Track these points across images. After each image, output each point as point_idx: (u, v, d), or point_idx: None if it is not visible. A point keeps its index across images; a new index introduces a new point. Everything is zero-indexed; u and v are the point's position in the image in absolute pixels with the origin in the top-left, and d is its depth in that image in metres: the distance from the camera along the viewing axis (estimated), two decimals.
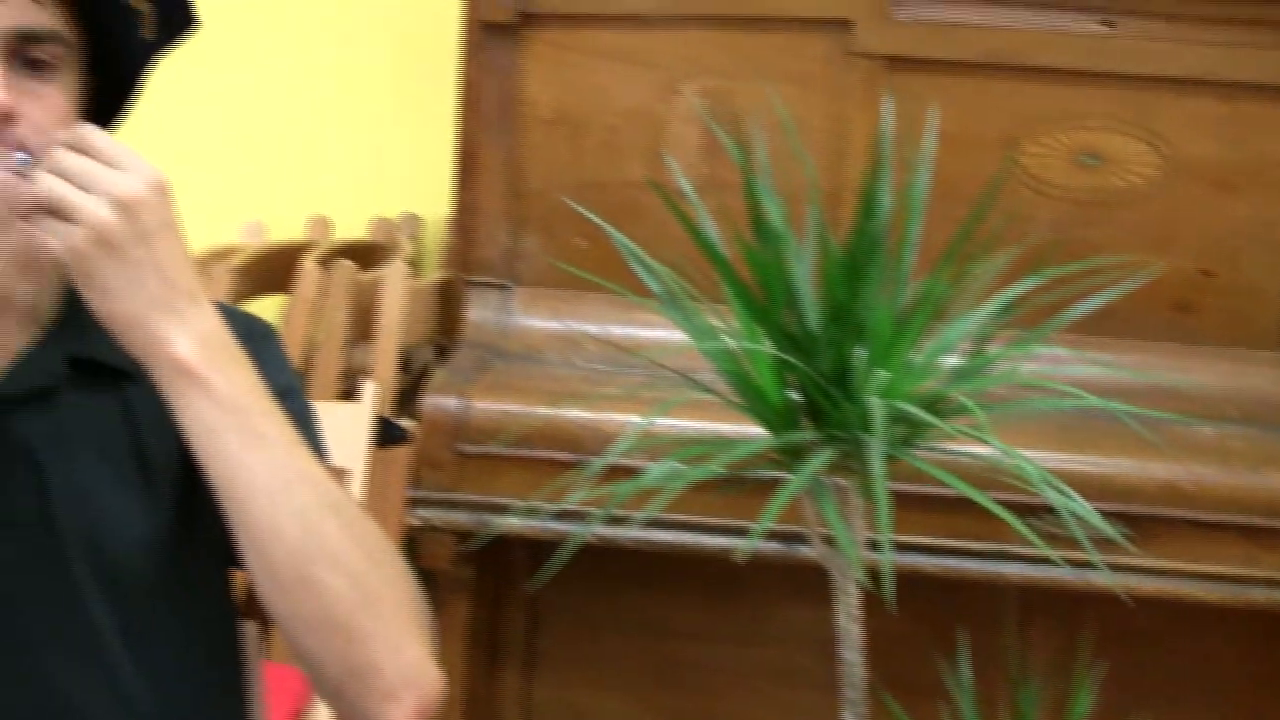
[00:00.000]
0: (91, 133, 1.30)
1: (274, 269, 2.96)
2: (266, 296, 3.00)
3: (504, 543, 2.55)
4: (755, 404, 1.93)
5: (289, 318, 2.83)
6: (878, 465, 1.76)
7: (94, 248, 1.26)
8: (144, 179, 1.28)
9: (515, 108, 2.72)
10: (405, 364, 2.93)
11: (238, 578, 1.46)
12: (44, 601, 1.35)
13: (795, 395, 1.93)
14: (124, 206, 1.26)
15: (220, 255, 2.90)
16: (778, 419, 1.92)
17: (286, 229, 3.18)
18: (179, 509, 1.39)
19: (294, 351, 2.59)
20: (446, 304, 2.87)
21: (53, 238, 1.26)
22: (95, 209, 1.26)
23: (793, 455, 1.96)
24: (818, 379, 1.88)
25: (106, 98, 1.42)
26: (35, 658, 1.35)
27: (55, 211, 1.26)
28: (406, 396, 2.85)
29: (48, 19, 1.32)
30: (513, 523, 2.32)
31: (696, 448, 1.90)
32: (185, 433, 1.31)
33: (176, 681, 1.39)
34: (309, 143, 3.20)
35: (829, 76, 2.68)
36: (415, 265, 2.99)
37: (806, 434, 1.89)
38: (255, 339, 1.41)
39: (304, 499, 1.31)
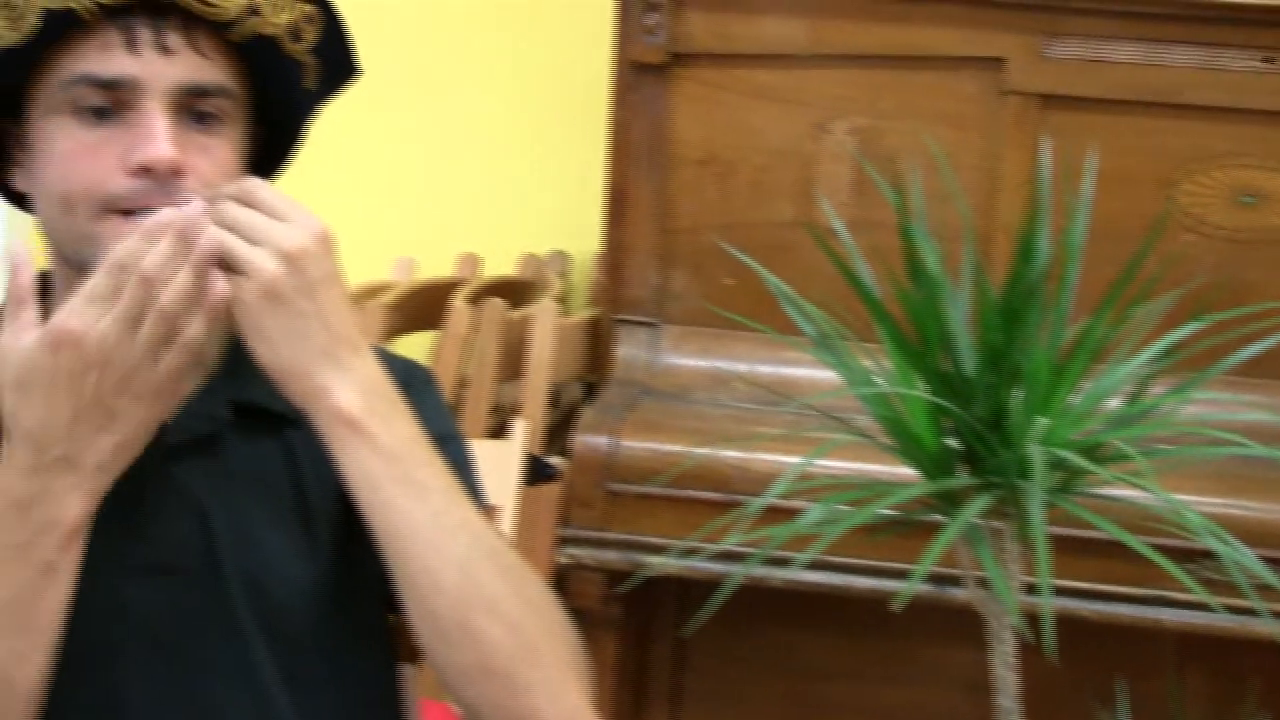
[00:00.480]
0: (257, 185, 1.32)
1: (425, 305, 2.99)
2: (417, 333, 3.02)
3: (651, 581, 2.55)
4: (910, 449, 1.91)
5: (440, 354, 2.85)
6: (1037, 513, 1.74)
7: (260, 299, 1.28)
8: (309, 231, 1.30)
9: (665, 147, 2.74)
10: (553, 400, 2.94)
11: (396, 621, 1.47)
12: (210, 644, 1.37)
13: (951, 440, 1.90)
14: (289, 259, 1.28)
15: (373, 292, 2.94)
16: (933, 464, 1.90)
17: (436, 266, 3.20)
18: (339, 554, 1.41)
19: (444, 387, 2.61)
20: (595, 341, 2.88)
21: (221, 288, 1.28)
22: (262, 262, 1.28)
23: (948, 500, 1.93)
24: (974, 424, 1.86)
25: (270, 148, 1.45)
26: (203, 699, 1.37)
27: (223, 263, 1.28)
28: (555, 433, 2.86)
29: (215, 73, 1.35)
30: (670, 564, 2.31)
31: (853, 492, 1.89)
32: (346, 481, 1.32)
33: None
34: (459, 181, 3.23)
35: (981, 115, 2.66)
36: (563, 302, 3.00)
37: (963, 480, 1.87)
38: (415, 385, 1.43)
39: (463, 547, 1.32)
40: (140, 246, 1.26)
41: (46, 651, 1.29)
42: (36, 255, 1.34)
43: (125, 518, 1.33)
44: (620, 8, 2.71)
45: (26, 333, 1.26)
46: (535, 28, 3.13)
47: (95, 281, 1.26)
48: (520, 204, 3.23)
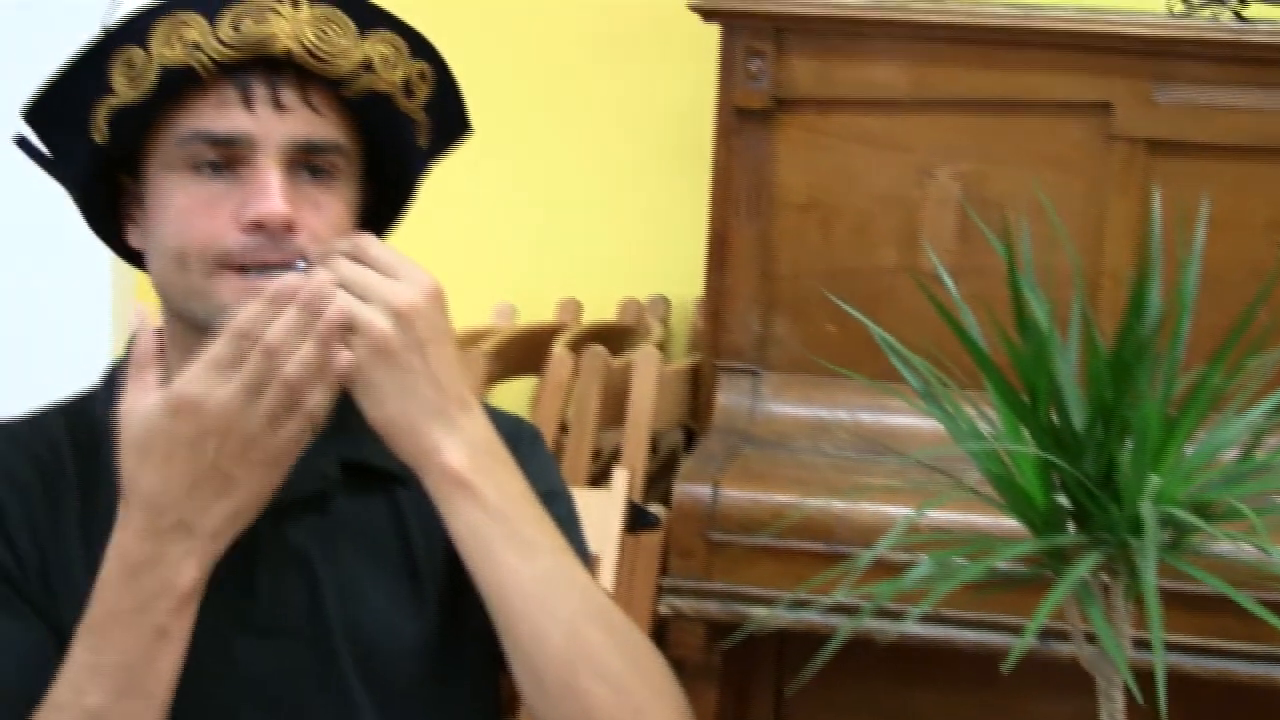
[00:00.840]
0: (370, 242, 1.33)
1: (526, 351, 3.00)
2: (518, 378, 3.03)
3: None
4: (1019, 505, 1.89)
5: (540, 400, 2.86)
6: (1150, 573, 1.71)
7: (371, 356, 1.29)
8: (420, 288, 1.30)
9: (767, 192, 2.74)
10: (652, 446, 2.93)
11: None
12: (318, 703, 1.38)
13: (1060, 496, 1.88)
14: (401, 316, 1.29)
15: (473, 338, 2.95)
16: (1042, 521, 1.88)
17: (537, 311, 3.21)
18: (445, 611, 1.41)
19: (545, 434, 2.62)
20: (695, 387, 2.88)
21: (345, 358, 1.28)
22: (373, 319, 1.29)
23: (1056, 556, 1.91)
24: (1084, 481, 1.84)
25: (382, 204, 1.45)
26: None
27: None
28: (654, 479, 2.86)
29: (328, 130, 1.36)
30: (782, 616, 2.30)
31: (963, 547, 1.87)
32: (454, 538, 1.32)
33: None
34: (559, 226, 3.24)
35: (1087, 160, 2.65)
36: (663, 348, 3.00)
37: (1073, 537, 1.85)
38: (522, 442, 1.43)
39: (570, 606, 1.32)
40: (262, 313, 1.26)
41: (160, 714, 1.30)
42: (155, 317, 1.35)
43: (235, 577, 1.34)
44: (724, 53, 2.72)
45: (148, 396, 1.27)
46: (637, 73, 3.14)
47: (217, 348, 1.26)
48: (620, 249, 3.23)
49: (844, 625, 1.90)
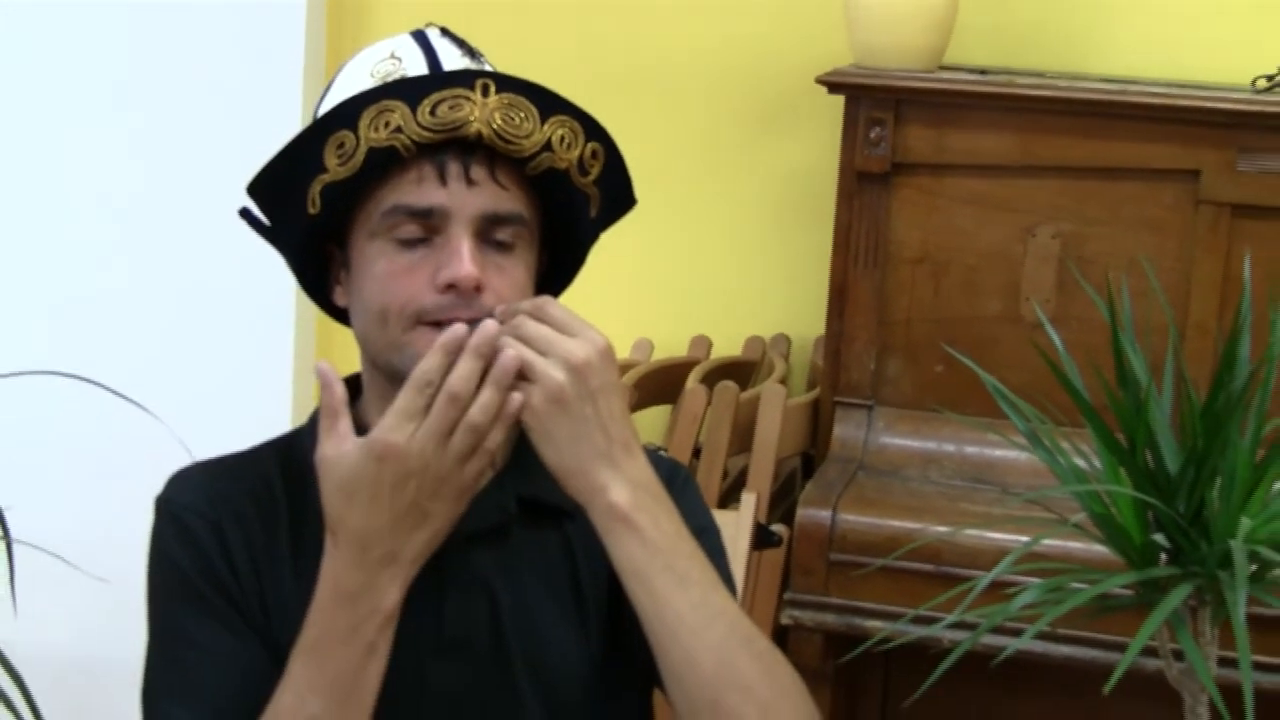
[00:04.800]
0: (549, 303, 1.35)
1: (661, 383, 3.01)
2: (654, 407, 3.04)
3: (860, 639, 2.53)
4: (1118, 540, 1.89)
5: (674, 428, 2.87)
6: (1239, 606, 1.70)
7: (549, 405, 1.31)
8: (593, 346, 1.32)
9: (884, 246, 2.74)
10: (775, 472, 2.94)
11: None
12: (495, 713, 1.39)
13: (1156, 534, 1.87)
14: (575, 370, 1.31)
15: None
16: (1139, 555, 1.87)
17: (671, 346, 3.23)
18: (607, 635, 1.42)
19: (679, 458, 2.63)
20: (814, 418, 2.88)
21: (517, 399, 1.30)
22: (551, 371, 1.30)
23: (1151, 585, 1.89)
24: (1177, 519, 1.82)
25: (556, 268, 1.47)
26: None
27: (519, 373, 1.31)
28: (775, 500, 2.86)
29: (512, 203, 1.38)
30: (907, 630, 2.28)
31: (1069, 576, 1.87)
32: (617, 569, 1.33)
33: None
34: (694, 271, 3.25)
35: (1178, 222, 2.63)
36: (784, 382, 3.00)
37: (1166, 570, 1.83)
38: (677, 483, 1.44)
39: (721, 634, 1.32)
40: (439, 362, 1.29)
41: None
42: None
43: (426, 600, 1.36)
44: (847, 122, 2.73)
45: (345, 443, 1.30)
46: (770, 138, 3.15)
47: (405, 399, 1.29)
48: (748, 293, 3.24)
49: (964, 642, 1.91)
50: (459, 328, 1.30)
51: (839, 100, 2.74)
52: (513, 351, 1.30)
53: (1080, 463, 1.95)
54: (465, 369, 1.29)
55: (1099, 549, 1.95)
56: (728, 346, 3.24)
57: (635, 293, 3.25)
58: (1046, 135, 2.66)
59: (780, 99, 3.12)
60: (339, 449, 1.30)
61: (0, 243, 3.14)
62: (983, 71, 2.80)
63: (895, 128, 2.69)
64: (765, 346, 3.22)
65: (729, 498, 2.76)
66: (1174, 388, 1.96)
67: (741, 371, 3.09)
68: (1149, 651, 1.96)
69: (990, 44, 2.98)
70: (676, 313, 3.27)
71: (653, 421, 3.13)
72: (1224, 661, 1.82)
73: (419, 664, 1.38)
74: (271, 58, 3.03)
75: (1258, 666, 2.35)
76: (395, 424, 1.28)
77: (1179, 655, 1.86)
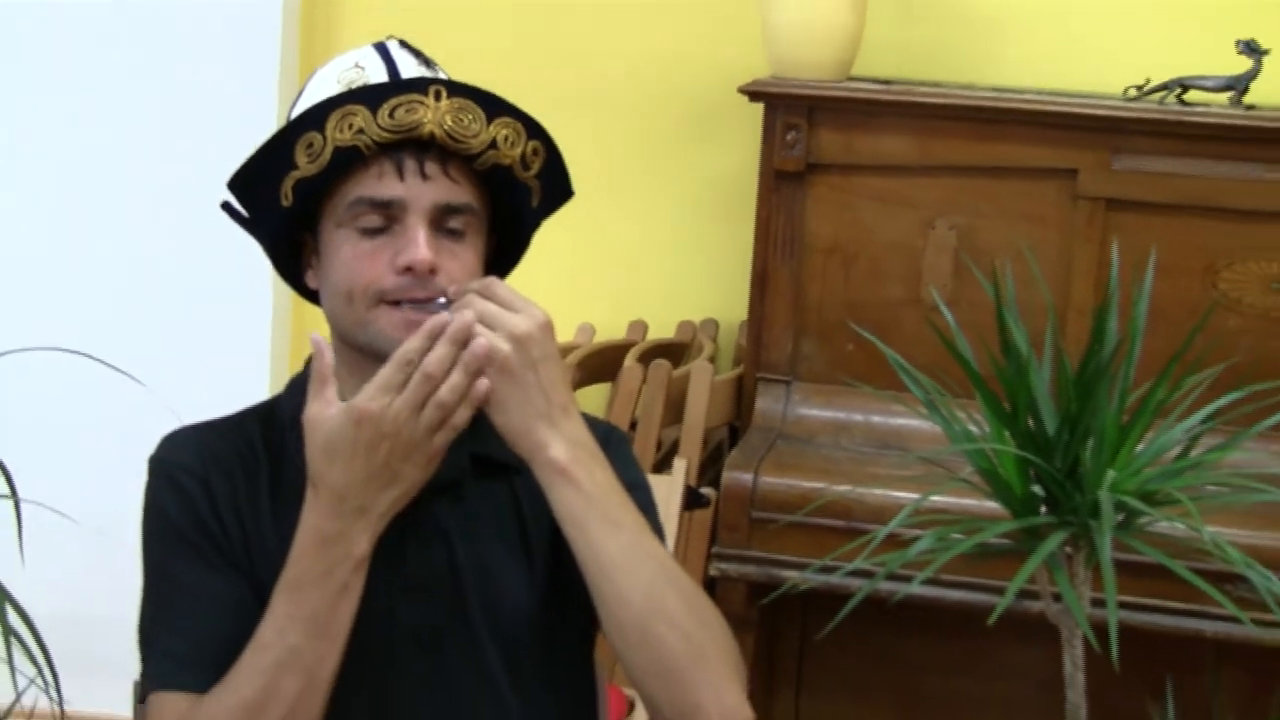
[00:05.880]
0: (495, 283, 1.37)
1: (602, 363, 3.01)
2: (595, 385, 3.06)
3: (779, 587, 2.56)
4: (1002, 492, 1.94)
5: (613, 403, 2.88)
6: (1105, 548, 1.75)
7: (495, 373, 1.33)
8: (535, 320, 1.34)
9: (800, 238, 2.76)
10: (703, 441, 2.96)
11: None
12: (456, 650, 1.41)
13: (1035, 486, 1.92)
14: (518, 341, 1.33)
15: (561, 352, 2.96)
16: (1021, 505, 1.92)
17: (611, 330, 3.24)
18: (550, 577, 1.44)
19: None
20: (738, 393, 2.91)
21: (484, 385, 1.32)
22: (498, 344, 1.33)
23: (1030, 533, 1.95)
24: (1054, 474, 1.87)
25: (502, 252, 1.50)
26: (454, 694, 1.41)
27: (468, 344, 1.33)
28: (704, 467, 2.88)
29: (462, 195, 1.39)
30: (812, 579, 2.33)
31: (956, 525, 1.91)
32: (557, 518, 1.35)
33: (552, 716, 1.44)
34: (632, 262, 3.27)
35: (1058, 216, 2.66)
36: (712, 361, 3.03)
37: (1044, 519, 1.89)
38: (612, 443, 1.45)
39: (649, 574, 1.34)
40: (420, 345, 1.31)
41: (339, 654, 1.34)
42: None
43: (391, 548, 1.38)
44: (766, 128, 2.75)
45: (330, 407, 1.31)
46: (697, 143, 3.16)
47: (386, 373, 1.31)
48: (680, 281, 3.25)
49: (864, 586, 1.95)
50: (442, 316, 1.32)
51: (759, 108, 2.75)
52: (483, 340, 1.32)
53: (972, 428, 2.00)
54: (441, 352, 1.31)
55: (990, 504, 2.00)
56: (662, 329, 3.25)
57: (579, 282, 3.27)
58: (943, 139, 2.68)
59: (706, 107, 3.14)
60: (324, 412, 1.31)
61: (9, 237, 3.17)
62: (887, 82, 2.82)
63: (809, 132, 2.70)
64: (695, 329, 3.24)
65: (663, 465, 2.78)
66: (1052, 360, 2.01)
67: (674, 352, 3.10)
68: (1033, 595, 2.01)
69: (893, 58, 3.01)
70: (616, 300, 3.29)
71: (594, 398, 3.14)
72: (1096, 603, 1.87)
73: (389, 605, 1.39)
74: (250, 66, 3.08)
75: (1129, 606, 2.42)
76: (375, 394, 1.30)
77: (1058, 598, 1.92)
